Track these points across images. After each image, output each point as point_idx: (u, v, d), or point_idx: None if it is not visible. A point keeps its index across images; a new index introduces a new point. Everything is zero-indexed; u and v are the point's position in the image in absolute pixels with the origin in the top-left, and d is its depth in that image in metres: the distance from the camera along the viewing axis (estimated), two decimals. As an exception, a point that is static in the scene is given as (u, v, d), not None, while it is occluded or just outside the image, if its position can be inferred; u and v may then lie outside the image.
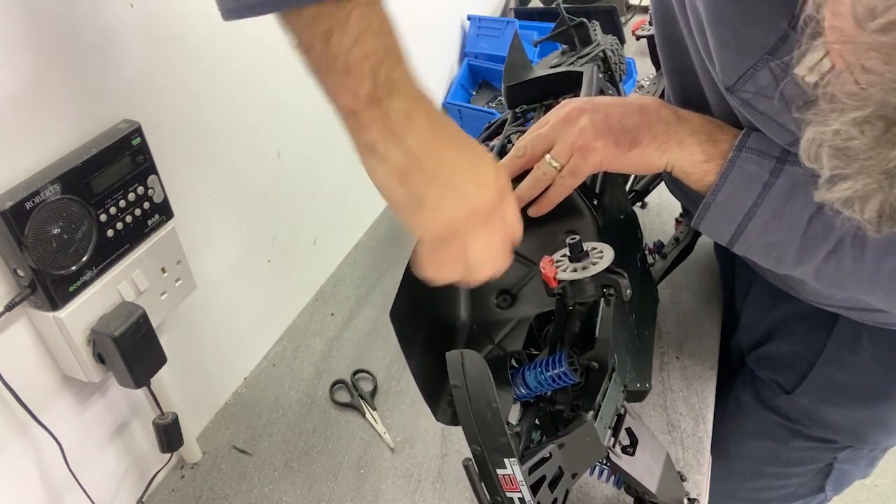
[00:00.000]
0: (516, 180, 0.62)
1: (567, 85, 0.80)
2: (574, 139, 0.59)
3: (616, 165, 0.60)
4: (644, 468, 0.63)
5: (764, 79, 0.51)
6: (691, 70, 0.64)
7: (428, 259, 0.49)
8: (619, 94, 0.92)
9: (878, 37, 0.31)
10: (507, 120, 0.83)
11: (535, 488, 0.49)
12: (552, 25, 1.00)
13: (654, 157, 0.60)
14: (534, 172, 0.60)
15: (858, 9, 0.32)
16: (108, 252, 0.61)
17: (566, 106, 0.62)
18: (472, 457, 0.49)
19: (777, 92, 0.50)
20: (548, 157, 0.60)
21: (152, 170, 0.63)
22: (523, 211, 0.62)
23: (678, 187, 0.67)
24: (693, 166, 0.59)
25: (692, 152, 0.59)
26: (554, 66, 0.92)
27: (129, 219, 0.62)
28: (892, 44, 0.31)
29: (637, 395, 0.65)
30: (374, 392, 0.90)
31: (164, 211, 0.66)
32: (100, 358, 0.62)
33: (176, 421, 0.70)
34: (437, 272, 0.50)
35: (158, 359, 0.66)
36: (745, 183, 0.57)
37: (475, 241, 0.48)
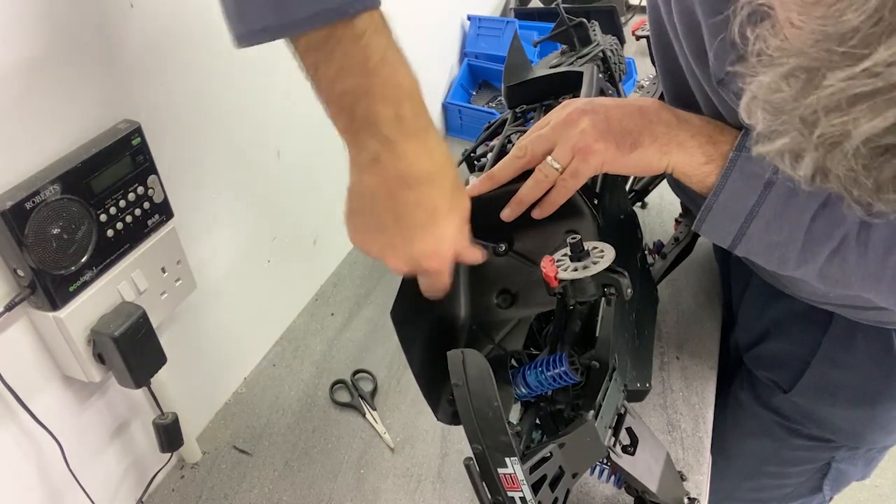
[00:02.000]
0: (517, 180, 0.62)
1: (567, 85, 0.80)
2: (575, 141, 0.59)
3: (617, 167, 0.60)
4: (644, 468, 0.63)
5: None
6: (682, 72, 0.64)
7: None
8: (618, 94, 0.92)
9: None
10: (507, 120, 0.83)
11: (535, 487, 0.49)
12: (552, 25, 1.00)
13: (654, 160, 0.60)
14: (535, 174, 0.60)
15: None
16: (108, 252, 0.61)
17: (567, 107, 0.62)
18: (473, 456, 0.49)
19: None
20: (549, 158, 0.59)
21: (152, 170, 0.63)
22: (525, 212, 0.62)
23: (680, 187, 0.67)
24: (694, 168, 0.59)
25: (693, 154, 0.59)
26: (554, 66, 0.92)
27: (129, 219, 0.62)
28: None
29: (637, 395, 0.65)
30: (374, 392, 0.90)
31: (164, 211, 0.66)
32: (100, 358, 0.62)
33: (176, 421, 0.70)
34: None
35: (158, 359, 0.66)
36: (746, 182, 0.57)
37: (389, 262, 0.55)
